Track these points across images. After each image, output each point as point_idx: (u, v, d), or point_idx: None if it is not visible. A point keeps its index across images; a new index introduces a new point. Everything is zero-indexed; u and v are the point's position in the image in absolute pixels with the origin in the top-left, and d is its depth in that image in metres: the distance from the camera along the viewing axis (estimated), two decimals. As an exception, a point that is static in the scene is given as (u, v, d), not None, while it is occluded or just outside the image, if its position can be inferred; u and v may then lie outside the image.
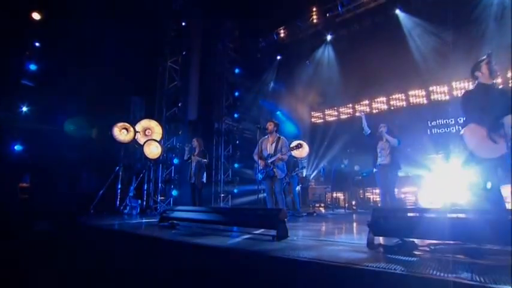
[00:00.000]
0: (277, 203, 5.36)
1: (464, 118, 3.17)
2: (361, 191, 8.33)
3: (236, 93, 11.20)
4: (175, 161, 9.00)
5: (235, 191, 10.46)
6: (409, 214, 2.32)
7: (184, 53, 9.58)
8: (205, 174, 6.65)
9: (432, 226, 2.07)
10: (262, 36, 11.62)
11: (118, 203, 7.76)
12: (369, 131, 5.45)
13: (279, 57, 11.70)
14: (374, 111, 11.21)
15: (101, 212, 7.38)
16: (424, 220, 2.18)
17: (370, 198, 8.29)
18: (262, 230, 3.70)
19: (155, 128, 8.54)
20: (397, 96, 10.75)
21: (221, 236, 3.54)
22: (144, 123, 8.46)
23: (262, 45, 11.70)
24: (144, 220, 5.87)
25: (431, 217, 2.16)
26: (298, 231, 4.14)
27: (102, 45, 8.76)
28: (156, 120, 8.69)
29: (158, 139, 8.43)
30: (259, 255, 2.31)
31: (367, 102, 11.38)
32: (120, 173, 7.90)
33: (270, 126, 5.54)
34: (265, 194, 5.57)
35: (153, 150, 8.19)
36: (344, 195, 9.03)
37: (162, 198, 8.90)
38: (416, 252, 2.12)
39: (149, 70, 9.25)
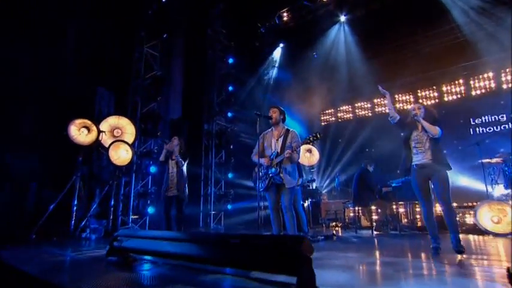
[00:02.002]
0: (286, 225, 4.03)
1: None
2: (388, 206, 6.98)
3: (230, 88, 9.94)
4: (153, 169, 7.62)
5: (229, 207, 9.06)
6: None
7: (165, 36, 8.32)
8: (187, 185, 5.34)
9: None
10: (262, 20, 10.43)
11: (73, 224, 6.32)
12: (398, 117, 4.01)
13: (281, 45, 10.48)
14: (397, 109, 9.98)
15: (50, 237, 5.96)
16: None
17: (399, 215, 6.88)
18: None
19: (127, 127, 7.21)
20: (426, 93, 9.52)
21: (197, 286, 2.18)
22: (112, 120, 7.13)
23: (261, 30, 10.50)
24: (106, 246, 4.46)
25: None
26: (326, 270, 2.77)
27: (62, 21, 7.50)
28: (128, 117, 7.37)
29: (130, 141, 7.09)
30: None
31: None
32: (78, 185, 6.50)
33: (275, 113, 4.24)
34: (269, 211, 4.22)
35: (121, 155, 6.83)
36: (365, 212, 7.66)
37: (135, 217, 7.49)
38: None
39: (121, 56, 7.97)
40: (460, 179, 7.40)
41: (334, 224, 8.12)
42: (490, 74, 8.53)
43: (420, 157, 3.82)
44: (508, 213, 5.50)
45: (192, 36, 9.46)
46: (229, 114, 9.80)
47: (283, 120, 4.30)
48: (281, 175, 4.00)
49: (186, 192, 5.30)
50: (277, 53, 10.54)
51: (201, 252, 2.63)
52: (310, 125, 10.84)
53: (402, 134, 4.06)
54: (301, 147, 10.50)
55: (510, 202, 5.53)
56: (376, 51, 8.92)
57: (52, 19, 6.98)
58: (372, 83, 9.81)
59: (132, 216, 7.38)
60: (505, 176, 6.62)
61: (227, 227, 8.85)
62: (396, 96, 9.94)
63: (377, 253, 4.03)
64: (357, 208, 6.90)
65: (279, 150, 4.09)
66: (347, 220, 7.63)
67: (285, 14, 10.09)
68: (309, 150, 9.62)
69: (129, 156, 6.89)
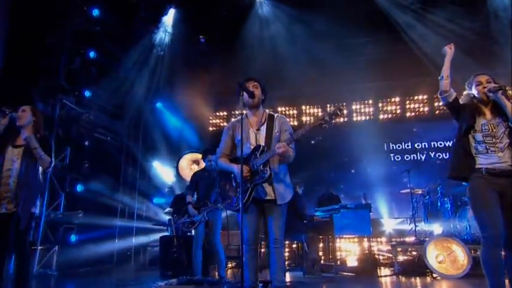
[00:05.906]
0: (271, 267, 2.93)
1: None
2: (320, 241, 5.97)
3: (92, 54, 7.23)
4: None
5: (73, 239, 6.24)
6: None
7: None
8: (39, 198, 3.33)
9: None
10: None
11: None
12: (454, 94, 2.87)
13: (173, 10, 8.26)
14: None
15: None
16: None
17: (335, 253, 5.93)
18: None
19: None
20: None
21: None
22: None
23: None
24: None
25: None
26: None
27: None
28: None
29: None
30: None
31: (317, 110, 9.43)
32: None
33: (257, 89, 3.10)
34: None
35: None
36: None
37: None
38: None
39: None
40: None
41: (234, 264, 6.49)
42: (397, 99, 8.95)
43: (494, 159, 2.69)
44: (453, 251, 5.31)
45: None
46: (87, 94, 7.05)
47: (264, 100, 3.21)
48: (266, 186, 2.90)
49: (36, 209, 3.24)
50: (167, 22, 8.31)
51: None
52: (200, 130, 9.10)
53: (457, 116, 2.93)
54: (188, 157, 8.73)
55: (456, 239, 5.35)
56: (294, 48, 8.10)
57: None
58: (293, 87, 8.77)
59: None
60: (425, 209, 6.62)
61: (65, 270, 6.02)
62: (304, 107, 9.37)
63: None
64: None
65: (263, 144, 2.97)
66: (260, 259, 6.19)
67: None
68: (197, 162, 8.17)
69: None
